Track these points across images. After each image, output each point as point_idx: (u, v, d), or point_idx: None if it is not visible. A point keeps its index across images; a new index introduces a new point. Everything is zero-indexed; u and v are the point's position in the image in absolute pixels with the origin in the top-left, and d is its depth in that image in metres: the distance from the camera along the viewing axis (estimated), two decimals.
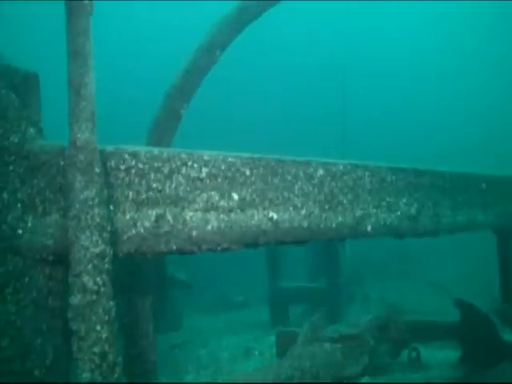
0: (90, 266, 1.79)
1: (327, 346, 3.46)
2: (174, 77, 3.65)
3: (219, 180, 2.38)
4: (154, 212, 2.19)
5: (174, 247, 2.24)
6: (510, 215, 4.27)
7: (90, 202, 1.80)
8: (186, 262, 6.81)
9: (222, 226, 2.37)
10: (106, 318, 1.85)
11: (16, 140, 1.96)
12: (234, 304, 10.07)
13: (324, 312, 4.58)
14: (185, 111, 3.62)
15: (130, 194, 2.14)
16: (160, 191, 2.21)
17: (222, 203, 2.39)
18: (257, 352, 6.30)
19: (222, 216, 2.38)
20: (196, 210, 2.31)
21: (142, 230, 2.15)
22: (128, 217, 2.12)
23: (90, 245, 1.79)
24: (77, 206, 1.78)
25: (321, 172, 2.77)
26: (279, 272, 8.03)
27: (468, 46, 33.89)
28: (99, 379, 1.81)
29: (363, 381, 3.47)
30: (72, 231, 1.78)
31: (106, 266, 1.85)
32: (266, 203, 2.54)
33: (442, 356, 4.07)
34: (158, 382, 3.94)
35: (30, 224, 1.97)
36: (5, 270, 1.94)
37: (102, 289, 1.82)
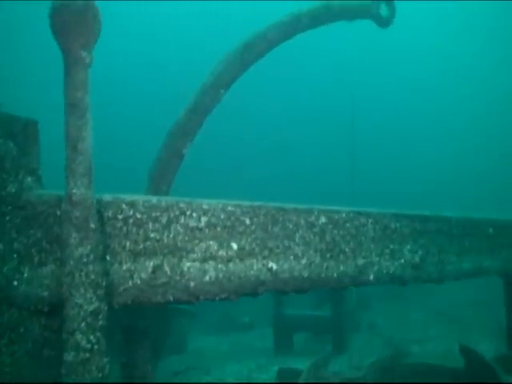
0: (83, 324, 1.80)
1: None
2: (177, 115, 3.71)
3: (218, 229, 2.40)
4: (152, 263, 2.21)
5: (171, 298, 2.26)
6: None
7: (85, 259, 1.82)
8: None
9: (220, 276, 2.38)
10: (100, 375, 1.86)
11: (13, 190, 1.99)
12: (240, 325, 10.17)
13: (328, 353, 4.55)
14: (187, 151, 3.66)
15: (128, 244, 2.16)
16: (158, 241, 2.24)
17: (220, 253, 2.41)
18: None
19: (220, 266, 2.40)
20: (194, 260, 2.33)
21: (139, 282, 2.16)
22: (125, 268, 2.14)
23: (83, 302, 1.80)
24: (71, 262, 1.80)
25: (323, 220, 2.79)
26: (284, 299, 8.07)
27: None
28: None
29: None
30: (66, 288, 1.80)
31: (100, 322, 1.86)
32: (266, 252, 2.55)
33: None
34: None
35: (25, 275, 1.99)
36: (0, 322, 1.96)
37: (96, 346, 1.83)
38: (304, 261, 2.69)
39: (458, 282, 3.85)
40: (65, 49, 1.87)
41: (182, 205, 2.30)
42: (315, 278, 2.73)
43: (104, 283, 1.91)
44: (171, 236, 2.27)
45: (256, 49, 3.71)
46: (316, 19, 3.91)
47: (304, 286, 2.71)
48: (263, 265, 2.53)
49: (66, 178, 1.85)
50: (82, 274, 1.82)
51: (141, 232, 2.19)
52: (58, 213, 1.99)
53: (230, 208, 2.42)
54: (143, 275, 2.17)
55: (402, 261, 3.22)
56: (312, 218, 2.74)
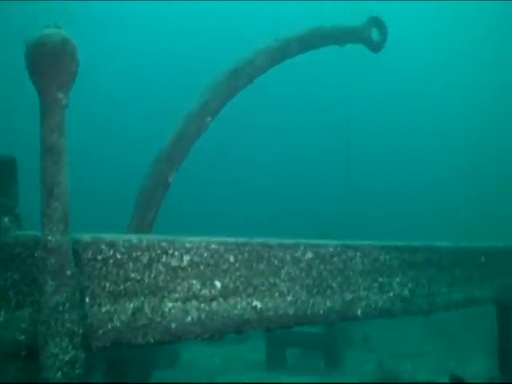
0: (59, 374, 1.79)
1: None
2: (163, 143, 3.71)
3: (201, 268, 2.39)
4: (132, 304, 2.20)
5: (152, 340, 2.25)
6: (508, 289, 4.29)
7: (61, 308, 1.81)
8: None
9: (203, 316, 2.38)
10: None
11: None
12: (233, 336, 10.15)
13: None
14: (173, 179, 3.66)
15: (107, 285, 2.16)
16: (139, 281, 2.23)
17: (203, 292, 2.40)
18: None
19: (202, 305, 2.39)
20: (176, 300, 2.33)
21: (119, 324, 2.15)
22: (104, 310, 2.13)
23: (59, 352, 1.79)
24: (47, 311, 1.79)
25: (309, 255, 2.79)
26: None
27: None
28: None
29: None
30: (41, 337, 1.79)
31: (77, 371, 1.85)
32: (251, 290, 2.55)
33: None
34: None
35: (1, 318, 1.97)
36: None
37: None
38: (290, 298, 2.69)
39: None
40: (40, 90, 1.86)
41: (163, 244, 2.29)
42: (301, 315, 2.73)
43: (81, 331, 1.90)
44: (152, 276, 2.26)
45: (244, 75, 3.73)
46: (306, 44, 3.93)
47: (289, 324, 2.71)
48: (247, 303, 2.53)
49: (42, 224, 1.84)
50: (58, 322, 1.81)
51: (121, 273, 2.18)
52: (36, 255, 1.98)
53: (213, 246, 2.42)
54: (123, 317, 2.17)
55: (391, 294, 3.22)
56: (298, 254, 2.75)
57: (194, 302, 2.37)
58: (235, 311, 2.47)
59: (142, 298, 2.23)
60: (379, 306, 3.13)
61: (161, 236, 2.36)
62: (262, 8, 36.50)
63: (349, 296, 2.97)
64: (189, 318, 2.33)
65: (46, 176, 1.84)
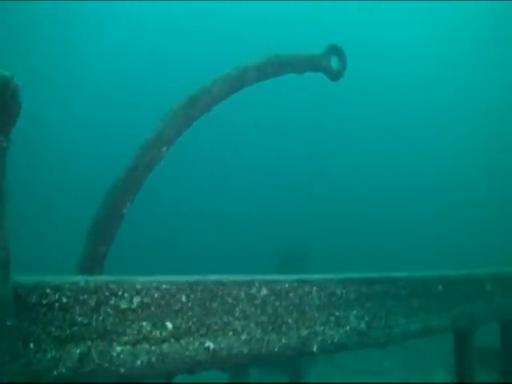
0: None
1: None
2: (117, 174, 3.68)
3: (152, 309, 2.38)
4: (78, 350, 2.17)
5: None
6: (466, 317, 4.37)
7: (0, 360, 1.78)
8: None
9: (153, 359, 2.35)
10: None
11: None
12: None
13: None
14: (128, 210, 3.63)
15: (53, 330, 2.12)
16: (86, 325, 2.20)
17: (154, 333, 2.38)
18: None
19: (153, 348, 2.37)
20: (125, 343, 2.30)
21: (64, 371, 2.12)
22: (49, 356, 2.09)
23: None
24: None
25: (264, 292, 2.80)
26: None
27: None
28: None
29: None
30: None
31: None
32: (203, 330, 2.54)
33: None
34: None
35: None
36: None
37: None
38: (244, 336, 2.69)
39: None
40: None
41: (112, 286, 2.27)
42: (255, 353, 2.73)
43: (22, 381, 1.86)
44: (100, 319, 2.23)
45: (201, 104, 3.73)
46: (264, 73, 3.97)
47: (243, 362, 2.70)
48: (200, 343, 2.52)
49: None
50: None
51: (67, 317, 2.15)
52: None
53: (164, 286, 2.41)
54: (69, 363, 2.13)
55: (348, 328, 3.25)
56: (253, 291, 2.75)
57: (145, 345, 2.35)
58: (187, 352, 2.46)
59: (89, 343, 2.20)
60: (335, 340, 3.15)
61: (110, 277, 2.33)
62: (261, 9, 36.80)
63: (304, 332, 2.98)
64: (138, 362, 2.30)
65: None
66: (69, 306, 2.15)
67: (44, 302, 2.10)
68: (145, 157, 3.61)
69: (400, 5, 36.88)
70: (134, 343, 2.32)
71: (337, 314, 3.20)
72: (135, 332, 2.32)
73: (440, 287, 4.13)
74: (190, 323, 2.49)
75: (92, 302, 2.21)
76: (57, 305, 2.12)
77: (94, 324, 2.21)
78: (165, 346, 2.40)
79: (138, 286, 2.34)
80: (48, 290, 2.10)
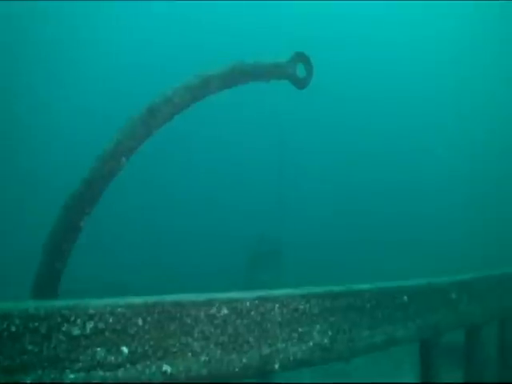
0: None
1: None
2: (75, 186, 3.62)
3: (107, 334, 2.34)
4: (29, 379, 2.12)
5: None
6: (430, 327, 4.42)
7: None
8: None
9: None
10: None
11: None
12: None
13: None
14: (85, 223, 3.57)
15: (1, 359, 2.07)
16: (36, 354, 2.15)
17: (108, 359, 2.35)
18: None
19: (108, 374, 2.34)
20: (78, 371, 2.26)
21: None
22: None
23: None
24: None
25: (225, 311, 2.79)
26: None
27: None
28: None
29: None
30: None
31: None
32: (161, 353, 2.52)
33: None
34: None
35: None
36: None
37: None
38: (203, 358, 2.67)
39: None
40: None
41: (64, 311, 2.23)
42: (215, 374, 2.71)
43: None
44: (52, 347, 2.19)
45: (161, 114, 3.69)
46: (227, 81, 3.94)
47: None
48: (157, 367, 2.49)
49: None
50: None
51: (16, 346, 2.10)
52: None
53: (119, 310, 2.38)
54: None
55: (311, 344, 3.26)
56: (213, 310, 2.73)
57: (99, 371, 2.31)
58: (143, 377, 2.43)
59: (41, 372, 2.16)
60: (298, 357, 3.15)
61: (62, 302, 2.29)
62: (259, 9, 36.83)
63: (266, 350, 2.98)
64: None
65: None
66: (18, 334, 2.11)
67: None
68: (103, 168, 3.55)
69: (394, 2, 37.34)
70: (88, 370, 2.28)
71: (300, 330, 3.20)
72: (89, 358, 2.29)
73: (405, 298, 4.17)
74: (147, 347, 2.46)
75: (43, 330, 2.16)
76: (5, 334, 2.08)
77: (45, 352, 2.17)
78: (120, 372, 2.37)
79: (92, 311, 2.30)
80: None
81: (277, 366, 3.02)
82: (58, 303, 2.26)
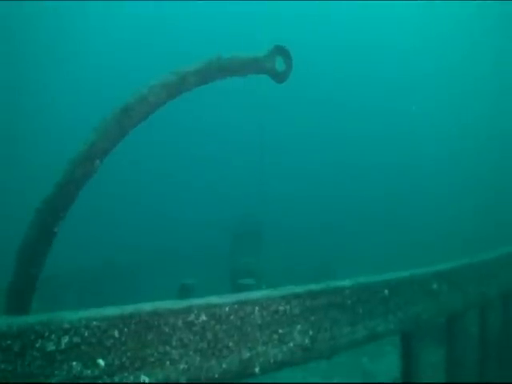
0: None
1: None
2: (47, 190, 3.55)
3: (82, 347, 2.32)
4: None
5: None
6: (411, 319, 4.46)
7: None
8: None
9: None
10: None
11: None
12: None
13: None
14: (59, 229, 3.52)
15: None
16: (10, 371, 2.13)
17: (85, 373, 2.33)
18: None
19: None
20: None
21: None
22: None
23: None
24: None
25: (203, 318, 2.78)
26: None
27: None
28: None
29: None
30: None
31: None
32: (138, 363, 2.51)
33: None
34: None
35: None
36: None
37: None
38: (182, 365, 2.67)
39: None
40: None
41: (37, 327, 2.20)
42: (194, 382, 2.71)
43: None
44: (26, 364, 2.17)
45: (136, 113, 3.61)
46: (204, 77, 3.87)
47: None
48: (135, 378, 2.48)
49: None
50: None
51: None
52: None
53: (95, 323, 2.36)
54: None
55: (292, 344, 3.27)
56: (191, 317, 2.72)
57: None
58: None
59: None
60: (279, 359, 3.16)
61: (35, 317, 2.26)
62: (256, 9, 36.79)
63: (246, 354, 2.98)
64: None
65: None
66: None
67: None
68: (77, 171, 3.48)
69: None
70: None
71: (280, 331, 3.21)
72: (64, 373, 2.27)
73: (386, 291, 4.19)
74: (124, 358, 2.45)
75: (16, 347, 2.14)
76: None
77: (18, 369, 2.15)
78: None
79: (66, 326, 2.27)
80: None
81: (257, 370, 3.02)
82: (31, 319, 2.24)
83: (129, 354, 2.46)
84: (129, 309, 2.51)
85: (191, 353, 2.71)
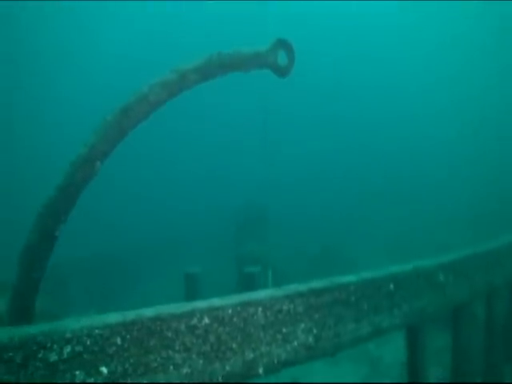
0: None
1: None
2: (48, 193, 3.54)
3: (84, 356, 2.33)
4: None
5: None
6: (416, 313, 4.45)
7: None
8: None
9: None
10: None
11: None
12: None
13: None
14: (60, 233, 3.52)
15: None
16: (13, 383, 2.14)
17: (88, 381, 2.34)
18: None
19: None
20: None
21: None
22: None
23: None
24: None
25: (206, 321, 2.78)
26: None
27: None
28: None
29: None
30: None
31: None
32: (142, 369, 2.51)
33: None
34: None
35: None
36: None
37: None
38: (185, 369, 2.67)
39: None
40: None
41: (39, 338, 2.21)
42: None
43: None
44: (29, 374, 2.18)
45: (136, 113, 3.59)
46: (205, 74, 3.84)
47: None
48: None
49: None
50: None
51: None
52: None
53: (97, 331, 2.36)
54: None
55: (295, 344, 3.26)
56: (194, 321, 2.72)
57: None
58: None
59: None
60: (282, 359, 3.17)
61: (37, 327, 2.26)
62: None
63: (250, 355, 2.98)
64: None
65: None
66: None
67: None
68: (77, 174, 3.47)
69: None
70: None
71: (284, 330, 3.20)
72: (67, 382, 2.28)
73: (391, 286, 4.17)
74: (127, 365, 2.46)
75: (18, 359, 2.15)
76: None
77: (21, 380, 2.16)
78: None
79: (68, 335, 2.28)
80: None
81: (261, 371, 3.03)
82: (33, 329, 2.24)
83: (132, 360, 2.47)
84: (131, 315, 2.52)
85: (194, 356, 2.72)
